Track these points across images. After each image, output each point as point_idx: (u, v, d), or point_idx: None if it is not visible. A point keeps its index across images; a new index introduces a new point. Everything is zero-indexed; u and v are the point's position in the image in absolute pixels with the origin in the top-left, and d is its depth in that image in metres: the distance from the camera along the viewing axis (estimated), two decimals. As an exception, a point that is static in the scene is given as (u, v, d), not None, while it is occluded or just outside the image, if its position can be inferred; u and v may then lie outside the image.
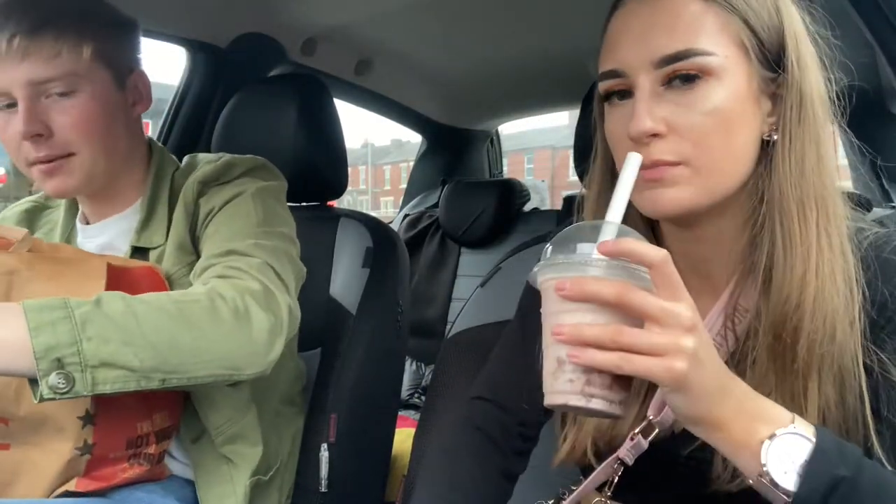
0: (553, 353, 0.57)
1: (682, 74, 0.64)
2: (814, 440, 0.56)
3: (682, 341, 0.53)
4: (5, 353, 0.73)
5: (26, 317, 0.73)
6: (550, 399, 0.57)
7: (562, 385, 0.56)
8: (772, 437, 0.56)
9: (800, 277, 0.64)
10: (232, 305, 0.86)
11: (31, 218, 1.15)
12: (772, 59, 0.66)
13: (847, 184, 1.63)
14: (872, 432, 0.64)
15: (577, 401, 0.55)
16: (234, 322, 0.85)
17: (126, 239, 1.05)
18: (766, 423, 0.57)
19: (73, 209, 1.12)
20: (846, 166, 1.73)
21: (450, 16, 1.77)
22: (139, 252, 1.04)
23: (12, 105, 0.95)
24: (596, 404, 0.55)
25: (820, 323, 0.63)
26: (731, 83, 0.65)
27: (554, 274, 0.57)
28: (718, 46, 0.64)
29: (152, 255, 1.03)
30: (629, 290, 0.54)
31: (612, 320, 0.55)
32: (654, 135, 0.65)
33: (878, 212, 0.75)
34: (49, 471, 0.92)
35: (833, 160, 0.67)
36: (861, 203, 0.74)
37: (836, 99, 0.69)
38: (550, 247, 0.60)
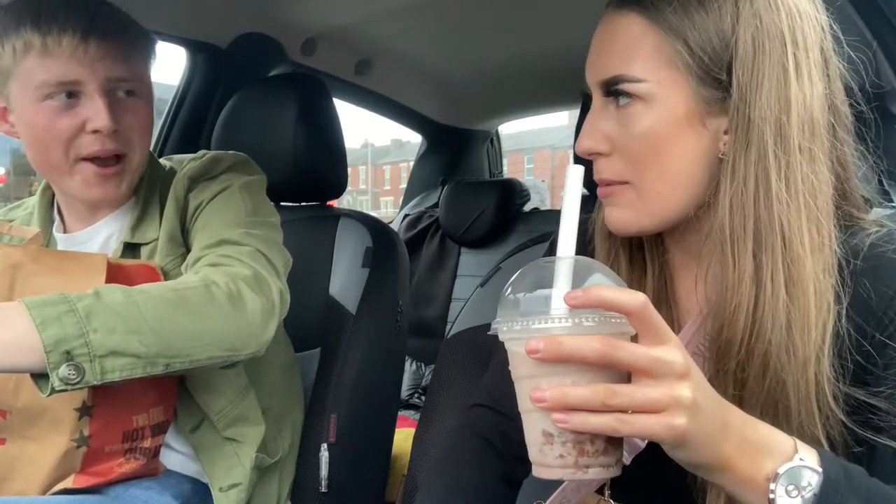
0: (535, 424, 0.52)
1: (618, 93, 0.66)
2: (820, 470, 0.54)
3: (678, 392, 0.50)
4: (13, 350, 0.74)
5: (30, 313, 0.74)
6: (541, 473, 0.53)
7: (551, 460, 0.51)
8: (777, 473, 0.54)
9: (731, 313, 0.62)
10: (226, 290, 0.89)
11: None
12: (719, 77, 0.64)
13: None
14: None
15: (572, 475, 0.51)
16: (230, 305, 0.88)
17: (117, 238, 1.07)
18: (769, 456, 0.55)
19: (45, 222, 1.09)
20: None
21: (450, 16, 1.77)
22: (130, 248, 1.05)
23: (72, 95, 0.96)
24: (594, 474, 0.51)
25: (759, 361, 0.61)
26: (662, 108, 0.65)
27: (519, 333, 0.51)
28: (650, 71, 0.64)
29: (144, 250, 1.05)
30: (615, 348, 0.49)
31: (595, 377, 0.50)
32: (599, 153, 0.68)
33: (878, 212, 0.75)
34: (45, 465, 0.93)
35: (800, 188, 0.62)
36: (861, 203, 0.74)
37: (835, 105, 0.68)
38: (510, 293, 0.55)
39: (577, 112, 1.18)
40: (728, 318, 0.63)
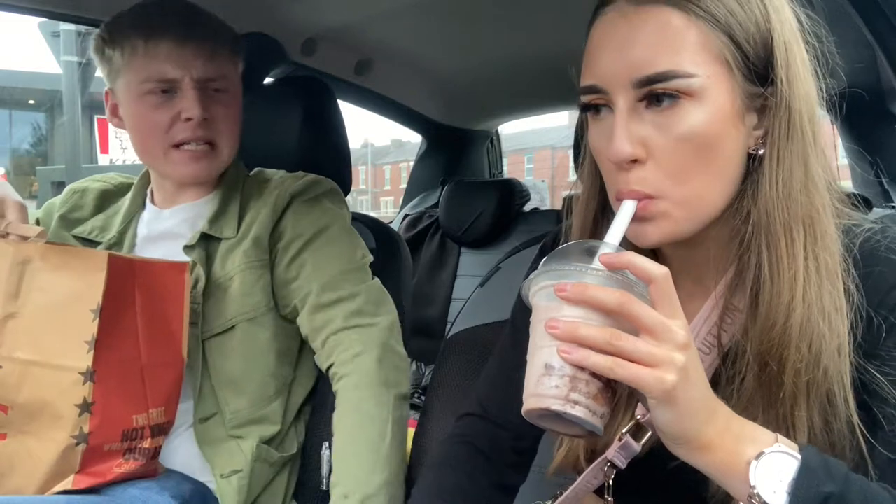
0: (541, 359, 0.57)
1: (660, 93, 0.62)
2: (799, 458, 0.57)
3: (675, 355, 0.54)
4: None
5: None
6: (530, 403, 0.56)
7: (545, 389, 0.55)
8: (758, 456, 0.57)
9: (786, 304, 0.63)
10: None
11: (105, 198, 1.27)
12: (758, 72, 0.64)
13: (847, 184, 1.63)
14: (867, 455, 0.63)
15: (558, 405, 0.55)
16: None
17: (190, 226, 1.15)
18: (751, 444, 0.58)
19: (139, 197, 1.23)
20: (846, 166, 1.73)
21: (450, 16, 1.77)
22: (207, 238, 1.12)
23: (168, 91, 1.09)
24: (578, 411, 0.55)
25: (805, 350, 0.62)
26: (712, 104, 0.62)
27: (551, 280, 0.58)
28: (700, 66, 0.62)
29: (223, 245, 1.12)
30: (631, 300, 0.54)
31: (607, 326, 0.55)
32: (634, 160, 0.63)
33: (878, 212, 0.75)
34: (44, 462, 0.93)
35: (822, 176, 0.65)
36: (861, 203, 0.74)
37: (834, 100, 0.68)
38: (545, 260, 0.60)
39: (576, 112, 1.18)
40: (784, 313, 0.63)
